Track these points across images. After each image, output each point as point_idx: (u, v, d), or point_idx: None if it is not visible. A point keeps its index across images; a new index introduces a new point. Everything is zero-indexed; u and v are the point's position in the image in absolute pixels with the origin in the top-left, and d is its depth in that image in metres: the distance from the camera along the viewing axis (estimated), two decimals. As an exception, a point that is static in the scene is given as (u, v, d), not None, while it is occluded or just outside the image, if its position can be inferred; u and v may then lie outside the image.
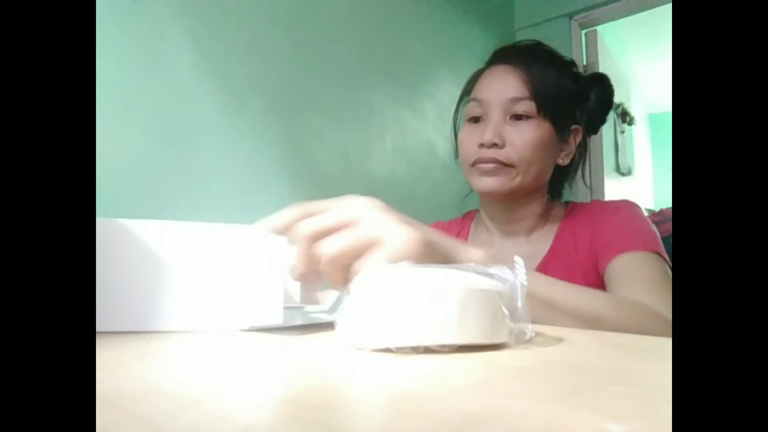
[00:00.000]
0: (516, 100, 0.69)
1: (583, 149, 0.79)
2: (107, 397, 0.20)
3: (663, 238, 0.71)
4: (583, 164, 0.82)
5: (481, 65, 0.80)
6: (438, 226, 0.86)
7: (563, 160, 0.75)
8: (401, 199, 1.62)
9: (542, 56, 0.74)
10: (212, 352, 0.30)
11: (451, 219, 0.89)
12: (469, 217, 0.87)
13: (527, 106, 0.69)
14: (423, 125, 1.73)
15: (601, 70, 2.30)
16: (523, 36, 2.33)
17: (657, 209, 2.31)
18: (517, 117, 0.70)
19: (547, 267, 0.71)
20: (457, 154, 0.81)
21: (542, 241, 0.75)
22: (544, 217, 0.76)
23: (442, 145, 1.79)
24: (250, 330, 0.37)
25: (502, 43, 0.81)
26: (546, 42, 0.78)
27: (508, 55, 0.75)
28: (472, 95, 0.74)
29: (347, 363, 0.27)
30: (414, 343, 0.27)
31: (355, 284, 0.30)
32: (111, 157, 0.89)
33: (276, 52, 1.24)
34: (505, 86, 0.70)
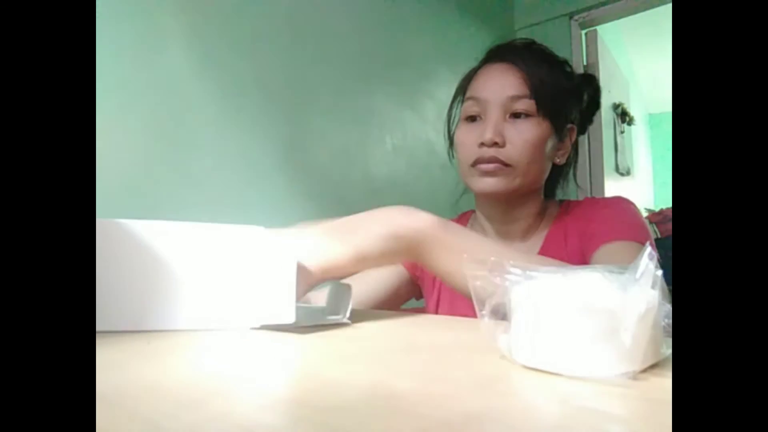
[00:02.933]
0: (516, 98, 0.68)
1: (575, 149, 0.79)
2: (107, 397, 0.20)
3: (663, 238, 0.70)
4: (575, 164, 0.81)
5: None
6: None
7: (560, 159, 0.75)
8: (401, 199, 1.62)
9: (539, 54, 0.73)
10: (213, 352, 0.30)
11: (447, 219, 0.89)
12: (464, 217, 0.86)
13: (527, 105, 0.68)
14: (423, 125, 1.73)
15: (601, 70, 2.31)
16: (523, 36, 2.33)
17: (657, 209, 2.31)
18: (517, 115, 0.69)
19: None
20: (452, 155, 0.80)
21: (537, 241, 0.74)
22: (540, 217, 0.76)
23: (442, 145, 1.77)
24: (262, 328, 0.37)
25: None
26: (546, 42, 0.77)
27: (504, 52, 0.73)
28: (469, 93, 0.73)
29: (347, 363, 0.27)
30: (599, 375, 0.22)
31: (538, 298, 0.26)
32: (109, 155, 0.89)
33: (276, 51, 1.24)
34: (504, 84, 0.69)
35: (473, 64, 0.81)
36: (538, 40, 0.78)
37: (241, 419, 0.17)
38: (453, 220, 0.87)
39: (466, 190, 0.82)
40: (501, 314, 0.27)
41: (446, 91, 1.82)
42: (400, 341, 0.33)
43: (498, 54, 0.74)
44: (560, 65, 0.74)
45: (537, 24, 2.36)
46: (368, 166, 1.50)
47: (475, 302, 0.28)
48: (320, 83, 1.35)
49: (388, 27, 1.62)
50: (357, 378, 0.23)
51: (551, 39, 0.84)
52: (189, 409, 0.18)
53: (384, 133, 1.57)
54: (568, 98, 0.73)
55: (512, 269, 0.28)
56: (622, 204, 0.71)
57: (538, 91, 0.68)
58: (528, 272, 0.27)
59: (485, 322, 0.27)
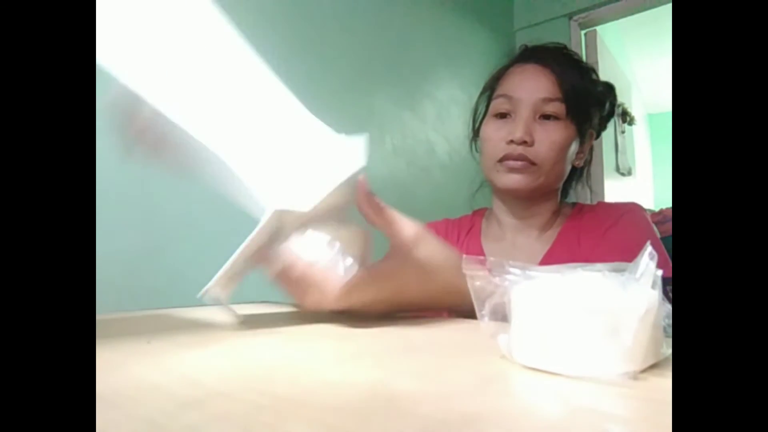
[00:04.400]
0: (547, 100, 0.71)
1: (590, 153, 0.81)
2: (107, 397, 0.20)
3: (663, 238, 0.71)
4: (589, 167, 0.84)
5: (481, 67, 0.80)
6: (447, 223, 0.87)
7: (578, 162, 0.78)
8: (401, 199, 1.62)
9: (570, 60, 0.76)
10: (212, 351, 0.30)
11: (460, 216, 0.90)
12: (479, 213, 0.88)
13: (557, 108, 0.71)
14: (423, 125, 1.73)
15: (601, 70, 2.30)
16: (523, 36, 2.33)
17: (657, 209, 2.31)
18: (546, 117, 0.71)
19: (547, 263, 0.71)
20: (475, 148, 0.82)
21: (551, 237, 0.76)
22: (555, 215, 0.78)
23: (442, 145, 1.79)
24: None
25: (502, 43, 0.81)
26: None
27: (539, 54, 0.76)
28: (500, 91, 0.75)
29: (347, 363, 0.27)
30: (599, 374, 0.22)
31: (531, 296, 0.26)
32: (109, 156, 0.89)
33: (276, 52, 1.24)
34: (537, 85, 0.72)
35: (473, 64, 0.82)
36: (538, 40, 0.80)
37: (241, 419, 0.17)
38: (467, 216, 0.88)
39: (483, 184, 0.83)
40: (501, 314, 0.27)
41: (446, 91, 1.83)
42: (400, 341, 0.33)
43: (532, 55, 0.77)
44: (588, 72, 0.77)
45: (536, 24, 2.36)
46: (368, 167, 1.50)
47: (475, 302, 0.28)
48: (320, 84, 1.35)
49: (388, 27, 1.62)
50: (357, 378, 0.23)
51: (551, 39, 0.86)
52: (189, 408, 0.18)
53: (384, 134, 1.57)
54: (593, 104, 0.76)
55: (512, 269, 0.28)
56: (635, 217, 0.73)
57: (569, 96, 0.71)
58: (528, 272, 0.28)
59: (485, 322, 0.27)
